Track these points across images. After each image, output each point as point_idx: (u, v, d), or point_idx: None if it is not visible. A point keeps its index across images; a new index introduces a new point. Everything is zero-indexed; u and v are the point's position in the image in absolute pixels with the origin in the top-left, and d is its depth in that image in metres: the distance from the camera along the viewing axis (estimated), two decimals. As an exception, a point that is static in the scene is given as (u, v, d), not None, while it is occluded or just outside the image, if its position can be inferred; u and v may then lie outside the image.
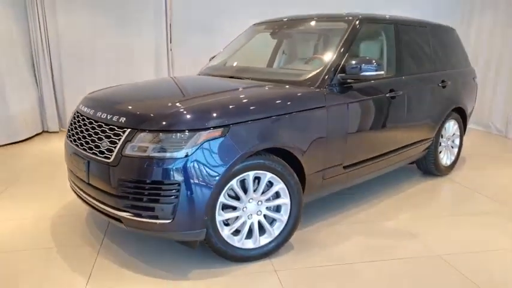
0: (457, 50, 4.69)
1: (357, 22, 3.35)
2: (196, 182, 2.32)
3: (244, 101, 2.66)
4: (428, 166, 4.33)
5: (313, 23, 3.74)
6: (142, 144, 2.35)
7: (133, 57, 6.50)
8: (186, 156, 2.30)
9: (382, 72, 3.08)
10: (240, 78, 3.32)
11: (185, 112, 2.42)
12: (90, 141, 2.63)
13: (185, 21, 6.55)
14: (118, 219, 2.49)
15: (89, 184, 2.64)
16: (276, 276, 2.53)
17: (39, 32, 6.03)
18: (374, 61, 3.01)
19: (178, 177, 2.30)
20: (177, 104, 2.53)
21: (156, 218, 2.37)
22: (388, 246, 2.95)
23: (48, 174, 4.36)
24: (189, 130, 2.33)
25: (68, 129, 3.00)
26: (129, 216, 2.42)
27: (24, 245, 2.89)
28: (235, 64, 3.82)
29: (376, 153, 3.47)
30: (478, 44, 7.05)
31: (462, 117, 4.60)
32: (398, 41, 3.70)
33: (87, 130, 2.70)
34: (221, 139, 2.38)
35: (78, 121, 2.86)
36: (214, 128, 2.38)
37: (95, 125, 2.65)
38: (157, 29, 6.48)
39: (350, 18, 3.40)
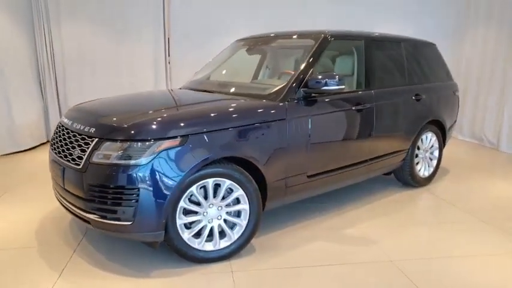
0: (436, 64, 4.83)
1: (323, 39, 3.56)
2: (154, 187, 2.54)
3: (205, 113, 2.87)
4: (405, 177, 4.45)
5: (286, 39, 3.95)
6: (107, 152, 2.59)
7: (133, 69, 6.82)
8: (145, 163, 2.53)
9: (343, 87, 3.25)
10: (213, 92, 3.55)
11: (145, 123, 2.65)
12: (65, 150, 2.89)
13: (183, 34, 6.86)
14: (87, 220, 2.72)
15: (64, 189, 2.89)
16: (231, 277, 2.71)
17: (44, 44, 6.41)
18: (336, 76, 3.20)
19: (137, 182, 2.52)
20: (140, 116, 2.76)
21: (119, 220, 2.59)
22: (346, 251, 3.10)
23: (46, 181, 4.65)
24: (148, 140, 2.56)
25: (51, 139, 3.27)
26: (96, 218, 2.65)
27: (7, 244, 3.15)
28: (212, 79, 4.05)
29: (342, 163, 3.63)
30: (471, 57, 7.13)
31: (441, 129, 4.71)
32: (369, 56, 3.88)
33: (64, 140, 2.96)
34: (179, 148, 2.60)
35: (60, 131, 3.12)
36: (173, 138, 2.60)
37: (70, 134, 2.91)
38: (156, 42, 6.80)
39: (317, 35, 3.60)
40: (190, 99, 3.39)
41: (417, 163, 4.50)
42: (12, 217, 3.66)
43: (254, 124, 2.94)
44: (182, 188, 2.66)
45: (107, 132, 2.66)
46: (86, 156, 2.66)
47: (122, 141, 2.58)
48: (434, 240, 3.33)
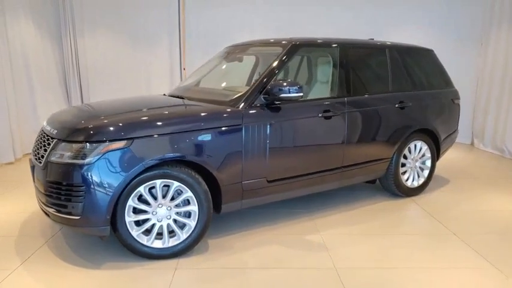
0: (431, 71, 4.70)
1: (291, 47, 3.62)
2: (98, 186, 2.75)
3: (153, 118, 3.03)
4: (390, 186, 4.36)
5: (261, 47, 4.05)
6: (61, 152, 2.84)
7: (150, 75, 7.23)
8: (91, 163, 2.74)
9: (301, 94, 3.29)
10: (185, 98, 3.72)
11: (92, 127, 2.87)
12: (37, 150, 3.19)
13: (197, 42, 7.15)
14: (48, 214, 3.00)
15: (35, 185, 3.19)
16: (171, 274, 2.86)
17: (70, 53, 6.98)
18: (295, 84, 3.26)
19: (83, 181, 2.75)
20: (92, 120, 2.98)
21: (70, 214, 2.83)
22: (295, 256, 3.13)
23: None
24: (94, 142, 2.78)
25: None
26: (53, 212, 2.91)
27: (-7, 232, 3.51)
28: (191, 85, 4.22)
29: (308, 170, 3.65)
30: (494, 61, 6.77)
31: (434, 139, 4.55)
32: (343, 64, 3.87)
33: (39, 141, 3.26)
34: (124, 150, 2.80)
35: (39, 134, 3.44)
36: (118, 140, 2.80)
37: (44, 136, 3.20)
38: (171, 49, 7.17)
39: (285, 43, 3.67)
40: (153, 104, 3.57)
41: (404, 172, 4.39)
42: (10, 208, 4.04)
43: (205, 129, 3.07)
44: (129, 188, 2.85)
45: (63, 134, 2.92)
46: (46, 155, 2.93)
47: (73, 142, 2.83)
48: (392, 250, 3.26)
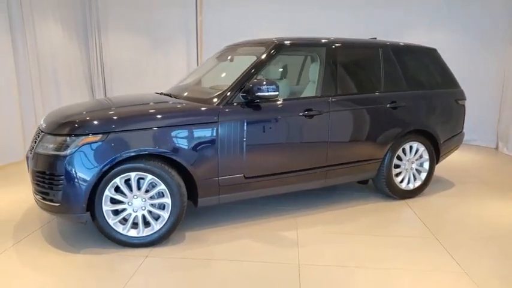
0: (433, 71, 4.58)
1: (273, 47, 3.69)
2: (75, 176, 2.97)
3: (129, 114, 3.21)
4: (382, 187, 4.30)
5: (250, 47, 4.13)
6: (45, 144, 3.10)
7: (169, 74, 7.50)
8: (69, 155, 2.97)
9: (277, 93, 3.36)
10: (172, 96, 3.89)
11: (73, 122, 3.09)
12: (31, 143, 3.47)
13: (214, 42, 7.32)
14: (36, 201, 3.27)
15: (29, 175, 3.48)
16: (141, 261, 3.03)
17: (95, 53, 7.41)
18: (271, 83, 3.34)
19: (62, 170, 2.98)
20: (75, 116, 3.21)
21: (52, 201, 3.07)
22: (264, 251, 3.20)
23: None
24: (74, 135, 3.00)
25: (35, 137, 3.91)
26: (39, 199, 3.17)
27: (-2, 216, 3.86)
28: (182, 83, 4.37)
29: (289, 168, 3.69)
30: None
31: (432, 141, 4.43)
32: (330, 63, 3.87)
33: (34, 135, 3.55)
34: (99, 143, 3.00)
35: (36, 129, 3.73)
36: (94, 134, 3.00)
37: (37, 130, 3.48)
38: (189, 49, 7.41)
39: (269, 42, 3.74)
40: (137, 102, 3.73)
41: (397, 174, 4.31)
42: (16, 197, 4.40)
43: (178, 125, 3.21)
44: (106, 179, 3.05)
45: (49, 128, 3.17)
46: (35, 147, 3.20)
47: (56, 135, 3.07)
48: (365, 250, 3.25)
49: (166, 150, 3.16)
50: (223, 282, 2.78)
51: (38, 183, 3.14)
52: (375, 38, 4.83)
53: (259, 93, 3.34)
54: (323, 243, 3.36)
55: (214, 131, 3.32)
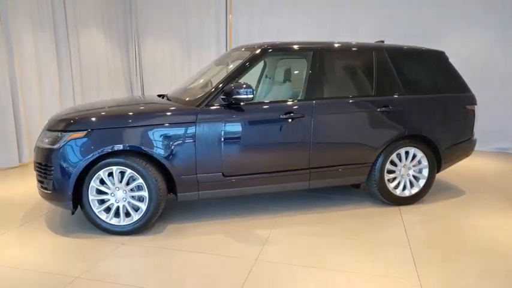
0: (438, 75, 4.42)
1: (257, 52, 3.83)
2: (62, 167, 3.35)
3: (113, 114, 3.54)
4: (375, 193, 4.25)
5: (241, 51, 4.28)
6: (44, 139, 3.52)
7: (200, 78, 7.88)
8: (58, 148, 3.36)
9: (251, 96, 3.50)
10: (164, 97, 4.18)
11: (64, 119, 3.48)
12: (39, 138, 3.95)
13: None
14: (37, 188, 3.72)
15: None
16: (116, 247, 3.33)
17: (134, 56, 8.02)
18: (246, 86, 3.50)
19: (53, 162, 3.38)
20: (66, 115, 3.60)
21: (46, 189, 3.49)
22: (231, 245, 3.36)
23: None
24: (64, 131, 3.39)
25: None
26: (39, 187, 3.61)
27: (14, 201, 4.39)
28: (183, 85, 4.62)
29: (269, 169, 3.81)
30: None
31: (432, 147, 4.28)
32: (316, 67, 3.92)
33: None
34: (84, 139, 3.36)
35: None
36: (80, 131, 3.37)
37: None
38: (219, 53, 7.69)
39: (254, 47, 3.89)
40: (127, 102, 4.04)
41: (391, 179, 4.23)
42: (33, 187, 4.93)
43: (158, 124, 3.47)
44: (92, 171, 3.40)
45: (48, 125, 3.60)
46: (37, 140, 3.65)
47: (52, 131, 3.48)
48: (330, 252, 3.27)
49: (144, 147, 3.44)
50: (176, 271, 2.99)
51: (37, 172, 3.57)
52: (383, 41, 4.76)
53: (235, 96, 3.51)
54: (290, 243, 3.43)
55: (193, 130, 3.54)
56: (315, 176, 3.96)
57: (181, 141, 3.53)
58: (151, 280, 2.84)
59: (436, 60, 4.45)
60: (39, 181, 3.55)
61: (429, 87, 4.35)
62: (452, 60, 4.54)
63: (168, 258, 3.17)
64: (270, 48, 3.90)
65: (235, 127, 3.66)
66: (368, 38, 6.11)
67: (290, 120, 3.79)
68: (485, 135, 6.54)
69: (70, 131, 3.38)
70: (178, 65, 8.02)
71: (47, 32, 6.16)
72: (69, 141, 3.36)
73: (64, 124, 3.45)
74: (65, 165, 3.36)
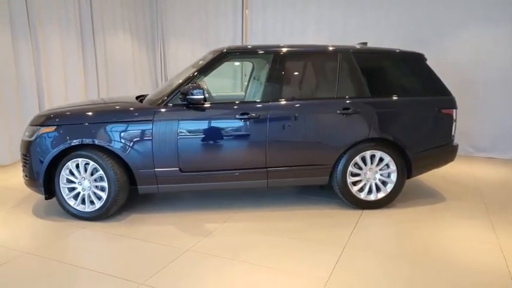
0: (411, 77, 4.32)
1: (217, 54, 4.04)
2: (36, 157, 3.83)
3: (80, 111, 3.95)
4: (338, 195, 4.26)
5: (210, 54, 4.47)
6: (26, 132, 4.03)
7: (218, 78, 8.23)
8: (33, 140, 3.84)
9: (202, 97, 3.74)
10: (139, 98, 4.52)
11: (39, 116, 3.96)
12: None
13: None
14: (24, 176, 4.25)
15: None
16: (76, 230, 3.74)
17: (160, 57, 8.58)
18: (198, 88, 3.75)
19: (28, 153, 3.87)
20: (45, 112, 4.07)
21: (26, 176, 4.00)
22: (176, 236, 3.61)
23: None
24: (37, 125, 3.87)
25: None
26: (23, 176, 4.14)
27: (17, 187, 5.00)
28: (162, 86, 4.91)
29: (225, 166, 3.99)
30: None
31: (401, 151, 4.19)
32: (275, 69, 4.04)
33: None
34: (53, 133, 3.80)
35: None
36: (50, 126, 3.82)
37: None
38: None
39: (216, 50, 4.10)
40: (100, 102, 4.45)
41: (356, 182, 4.20)
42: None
43: (118, 121, 3.83)
44: (62, 162, 3.84)
45: (31, 121, 4.11)
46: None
47: (32, 126, 3.98)
48: (263, 248, 3.38)
49: (104, 142, 3.81)
50: (111, 255, 3.30)
51: (22, 162, 4.10)
52: (366, 43, 4.73)
53: (189, 96, 3.77)
54: (232, 237, 3.60)
55: (149, 128, 3.85)
56: (273, 175, 4.08)
57: (140, 138, 3.85)
58: (86, 260, 3.19)
59: (411, 63, 4.34)
60: (22, 170, 4.07)
61: (400, 90, 4.25)
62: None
63: (113, 243, 3.50)
64: (228, 52, 4.08)
65: (189, 126, 3.91)
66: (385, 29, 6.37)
67: (246, 120, 3.95)
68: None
69: (43, 126, 3.85)
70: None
71: (73, 37, 6.82)
72: (41, 134, 3.82)
73: (40, 120, 3.93)
74: (38, 155, 3.83)
